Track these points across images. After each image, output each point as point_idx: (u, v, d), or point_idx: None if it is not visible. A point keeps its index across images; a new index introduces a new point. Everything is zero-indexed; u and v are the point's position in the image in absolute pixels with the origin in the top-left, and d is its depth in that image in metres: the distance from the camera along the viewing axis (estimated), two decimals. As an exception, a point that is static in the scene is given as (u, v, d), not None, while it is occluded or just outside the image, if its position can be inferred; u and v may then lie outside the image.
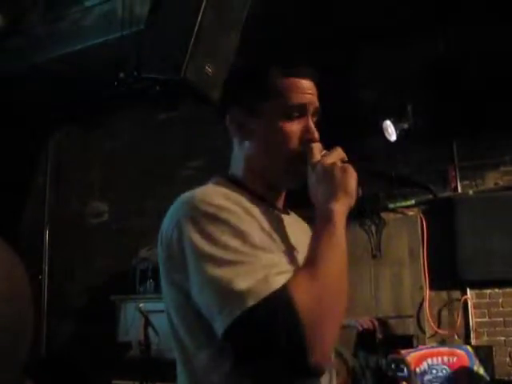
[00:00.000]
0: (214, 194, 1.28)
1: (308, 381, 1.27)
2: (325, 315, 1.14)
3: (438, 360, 3.62)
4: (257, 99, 1.38)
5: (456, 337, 4.39)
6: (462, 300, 4.40)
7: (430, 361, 3.61)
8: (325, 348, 1.13)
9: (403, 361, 3.50)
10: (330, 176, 1.30)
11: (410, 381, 3.46)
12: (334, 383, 1.41)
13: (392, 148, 4.50)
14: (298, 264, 1.26)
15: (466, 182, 4.55)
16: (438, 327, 4.43)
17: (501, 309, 4.34)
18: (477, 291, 4.41)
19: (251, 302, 1.11)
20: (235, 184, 1.38)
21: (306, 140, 1.37)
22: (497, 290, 4.36)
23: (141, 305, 4.27)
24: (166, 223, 1.30)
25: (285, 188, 1.47)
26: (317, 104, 1.41)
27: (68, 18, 4.56)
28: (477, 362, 3.71)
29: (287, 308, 1.11)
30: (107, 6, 4.31)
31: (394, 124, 4.42)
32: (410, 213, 4.63)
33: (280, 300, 1.12)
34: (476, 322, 4.38)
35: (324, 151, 1.35)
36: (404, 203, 4.59)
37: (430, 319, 4.42)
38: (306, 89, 1.39)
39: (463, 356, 3.70)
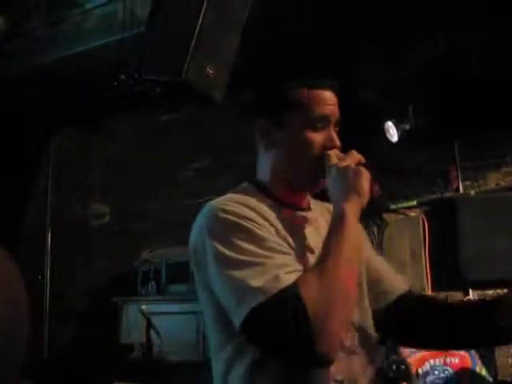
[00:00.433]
0: (233, 202, 1.41)
1: (321, 371, 1.37)
2: (332, 308, 1.23)
3: (440, 361, 3.62)
4: (282, 111, 1.50)
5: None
6: (465, 301, 4.40)
7: (432, 362, 3.60)
8: (332, 339, 1.22)
9: (404, 362, 3.50)
10: (343, 177, 1.42)
11: (412, 382, 3.46)
12: (369, 370, 1.49)
13: (394, 149, 4.49)
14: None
15: (468, 183, 4.54)
16: (441, 328, 4.42)
17: (503, 309, 4.32)
18: (479, 292, 4.40)
19: (261, 299, 1.23)
20: (260, 189, 1.53)
21: (327, 148, 1.49)
22: (499, 291, 4.35)
23: (143, 307, 4.27)
24: (193, 231, 1.45)
25: (308, 190, 1.59)
26: (338, 114, 1.53)
27: (69, 21, 4.56)
28: (479, 362, 3.70)
29: (295, 303, 1.21)
30: (108, 8, 4.31)
31: (396, 125, 4.42)
32: (412, 214, 4.62)
33: (288, 295, 1.22)
34: (478, 323, 4.36)
35: (341, 155, 1.48)
36: (406, 204, 4.58)
37: (432, 320, 4.41)
38: (328, 100, 1.50)
39: (465, 357, 3.69)
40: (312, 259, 1.41)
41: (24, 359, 0.81)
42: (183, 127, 5.61)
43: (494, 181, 4.48)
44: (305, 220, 1.54)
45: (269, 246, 1.32)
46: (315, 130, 1.48)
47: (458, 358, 3.67)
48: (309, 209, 1.60)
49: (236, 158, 4.91)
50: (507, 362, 4.20)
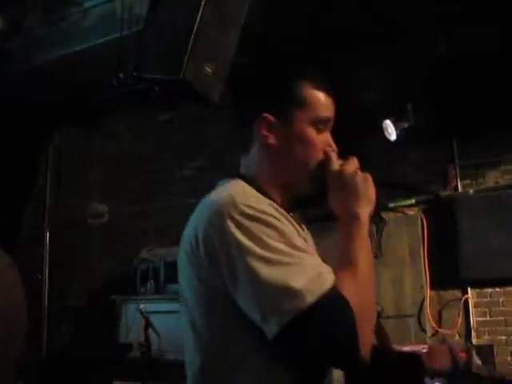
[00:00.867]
0: (252, 197, 1.34)
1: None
2: (366, 310, 1.25)
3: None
4: (288, 108, 1.46)
5: (457, 336, 4.39)
6: (463, 299, 4.40)
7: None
8: (370, 340, 1.24)
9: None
10: (353, 184, 1.41)
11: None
12: None
13: (392, 147, 4.50)
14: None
15: (467, 181, 4.55)
16: (439, 326, 4.43)
17: (502, 308, 4.33)
18: (477, 290, 4.41)
19: (310, 300, 1.18)
20: (254, 187, 1.43)
21: (326, 152, 1.47)
22: (497, 289, 4.36)
23: (141, 306, 4.27)
24: (202, 224, 1.31)
25: (304, 192, 1.52)
26: (333, 121, 1.52)
27: (68, 19, 4.55)
28: (478, 360, 3.70)
29: (343, 305, 1.20)
30: (107, 7, 4.30)
31: (394, 123, 4.42)
32: (411, 212, 4.63)
33: (336, 297, 1.20)
34: (477, 321, 4.37)
35: (341, 161, 1.46)
36: (404, 202, 4.58)
37: (430, 318, 4.42)
38: (329, 104, 1.49)
39: (464, 355, 3.69)
40: None
41: (21, 358, 0.81)
42: (182, 126, 5.61)
43: (492, 179, 4.49)
44: (299, 224, 1.48)
45: (297, 244, 1.27)
46: (318, 130, 1.46)
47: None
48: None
49: (235, 157, 4.91)
50: (506, 360, 4.21)
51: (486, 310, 4.36)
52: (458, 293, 4.44)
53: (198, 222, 1.33)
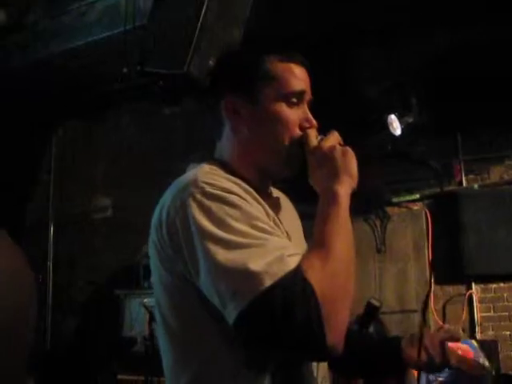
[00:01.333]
0: (218, 177, 1.26)
1: (304, 371, 1.28)
2: (338, 295, 1.14)
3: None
4: (254, 84, 1.36)
5: (461, 331, 4.39)
6: (467, 294, 4.40)
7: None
8: (340, 327, 1.13)
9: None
10: (331, 159, 1.30)
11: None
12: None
13: (397, 142, 4.48)
14: (298, 248, 1.24)
15: (471, 176, 4.54)
16: (443, 322, 4.42)
17: (506, 303, 4.33)
18: (482, 285, 4.40)
19: (268, 282, 1.10)
20: (228, 171, 1.34)
21: (304, 128, 1.36)
22: (502, 285, 4.35)
23: (145, 300, 4.28)
24: (166, 204, 1.25)
25: (281, 175, 1.43)
26: (310, 95, 1.40)
27: (71, 13, 4.54)
28: (482, 355, 3.70)
29: (304, 287, 1.10)
30: (111, 1, 4.29)
31: (399, 118, 4.41)
32: (415, 207, 4.62)
33: (297, 279, 1.11)
34: (481, 317, 4.37)
35: (320, 136, 1.35)
36: (409, 197, 4.57)
37: (434, 314, 4.42)
38: (301, 75, 1.38)
39: (468, 350, 3.69)
40: (295, 243, 1.29)
41: (29, 352, 0.81)
42: (185, 120, 5.60)
43: (497, 174, 4.47)
44: (275, 206, 1.41)
45: (263, 226, 1.19)
46: (290, 105, 1.35)
47: (461, 352, 3.66)
48: (274, 198, 1.47)
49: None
50: (510, 356, 4.21)
51: (491, 305, 4.36)
52: (462, 288, 4.44)
53: (162, 203, 1.27)
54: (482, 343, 3.85)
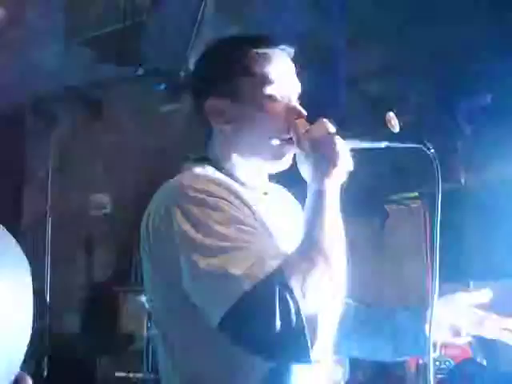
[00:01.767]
0: (202, 180, 1.27)
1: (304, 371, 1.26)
2: (320, 294, 1.13)
3: (441, 352, 3.62)
4: (235, 83, 1.35)
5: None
6: (466, 292, 4.39)
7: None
8: (322, 327, 1.11)
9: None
10: (317, 149, 1.27)
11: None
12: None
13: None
14: (289, 247, 1.23)
15: (471, 174, 4.53)
16: (442, 319, 4.42)
17: (505, 302, 4.32)
18: (480, 285, 4.39)
19: (247, 287, 1.09)
20: (218, 170, 1.36)
21: (291, 119, 1.34)
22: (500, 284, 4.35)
23: (143, 297, 4.27)
24: (153, 209, 1.29)
25: (272, 170, 1.43)
26: (296, 82, 1.38)
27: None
28: (480, 354, 3.71)
29: (284, 289, 1.09)
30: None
31: (397, 115, 4.39)
32: (414, 205, 4.61)
33: (276, 282, 1.10)
34: (480, 315, 4.36)
35: (309, 126, 1.32)
36: (407, 195, 4.57)
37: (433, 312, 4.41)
38: (283, 66, 1.36)
39: (466, 348, 3.70)
40: (289, 240, 1.27)
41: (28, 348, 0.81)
42: (185, 117, 5.59)
43: (497, 173, 4.46)
44: (267, 202, 1.40)
45: (246, 228, 1.18)
46: (273, 98, 1.32)
47: (460, 350, 3.67)
48: (269, 192, 1.46)
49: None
50: (508, 354, 4.21)
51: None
52: (460, 286, 4.43)
53: (149, 211, 1.32)
54: (481, 341, 3.85)
